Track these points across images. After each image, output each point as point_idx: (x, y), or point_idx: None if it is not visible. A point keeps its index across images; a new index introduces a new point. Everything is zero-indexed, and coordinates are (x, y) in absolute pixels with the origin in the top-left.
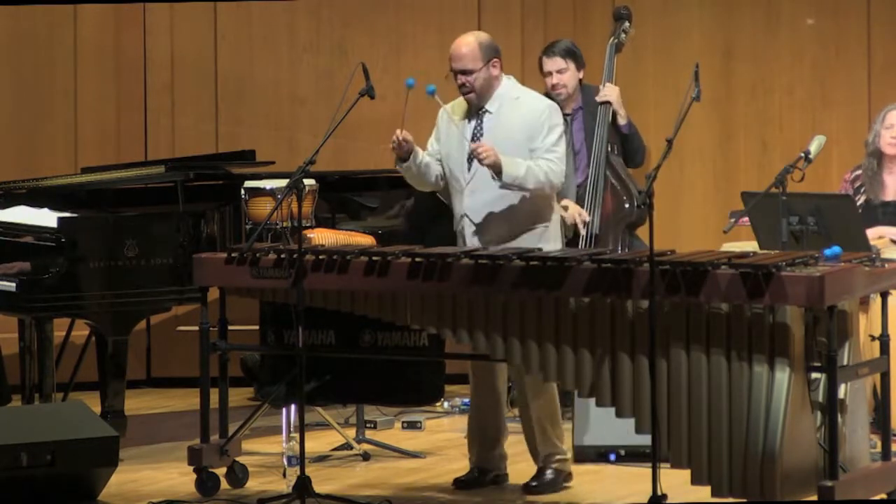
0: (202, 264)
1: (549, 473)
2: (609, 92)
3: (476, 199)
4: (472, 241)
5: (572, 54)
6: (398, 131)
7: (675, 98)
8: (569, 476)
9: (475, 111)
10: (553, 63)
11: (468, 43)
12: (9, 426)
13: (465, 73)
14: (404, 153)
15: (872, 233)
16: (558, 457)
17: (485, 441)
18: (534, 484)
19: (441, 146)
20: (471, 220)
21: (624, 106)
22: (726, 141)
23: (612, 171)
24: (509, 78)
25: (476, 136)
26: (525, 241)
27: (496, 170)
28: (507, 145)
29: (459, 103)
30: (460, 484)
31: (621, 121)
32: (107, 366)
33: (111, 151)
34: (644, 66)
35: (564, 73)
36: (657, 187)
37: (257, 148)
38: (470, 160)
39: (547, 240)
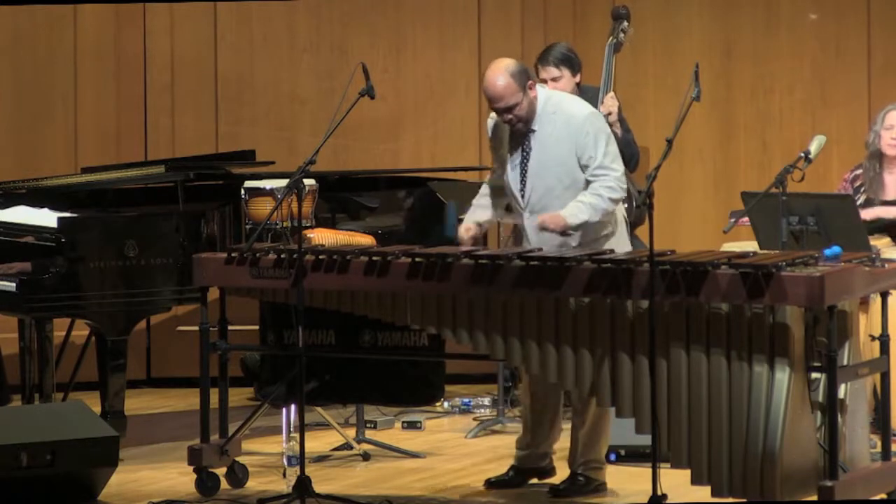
0: (202, 264)
1: (580, 479)
2: (610, 105)
3: (535, 221)
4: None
5: (567, 61)
6: (464, 239)
7: (675, 98)
8: (602, 486)
9: (522, 134)
10: (546, 72)
11: (501, 78)
12: (9, 426)
13: (508, 110)
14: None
15: (868, 214)
16: (595, 464)
17: (537, 433)
18: (561, 488)
19: (496, 162)
20: (534, 243)
21: (623, 112)
22: (726, 141)
23: None
24: (542, 87)
25: (525, 160)
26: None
27: (567, 229)
28: (554, 164)
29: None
30: (492, 484)
31: (618, 132)
32: (107, 366)
33: (111, 151)
34: (644, 66)
35: (559, 81)
36: (657, 187)
37: (257, 148)
38: (522, 187)
39: (615, 245)
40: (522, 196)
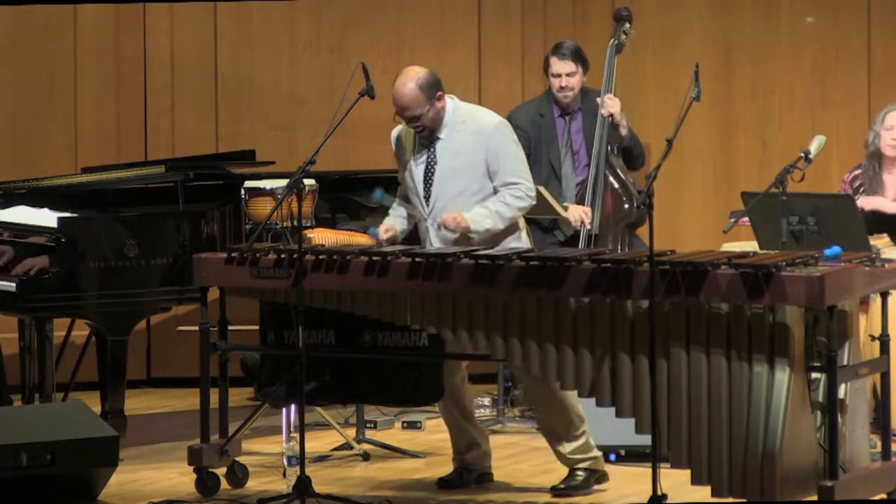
0: (202, 264)
1: (579, 475)
2: (612, 105)
3: (439, 230)
4: None
5: (582, 58)
6: (383, 239)
7: (675, 98)
8: (603, 476)
9: (428, 141)
10: (565, 65)
11: (409, 90)
12: (9, 426)
13: (413, 119)
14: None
15: (866, 202)
16: (585, 456)
17: (459, 442)
18: (561, 486)
19: (400, 172)
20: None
21: (625, 112)
22: (726, 141)
23: (611, 171)
24: (452, 99)
25: (430, 167)
26: None
27: (467, 232)
28: (463, 171)
29: (409, 130)
30: (444, 484)
31: (623, 131)
32: (107, 366)
33: (111, 151)
34: (644, 66)
35: (573, 77)
36: (657, 187)
37: (257, 148)
38: (428, 192)
39: (512, 235)
40: (427, 202)
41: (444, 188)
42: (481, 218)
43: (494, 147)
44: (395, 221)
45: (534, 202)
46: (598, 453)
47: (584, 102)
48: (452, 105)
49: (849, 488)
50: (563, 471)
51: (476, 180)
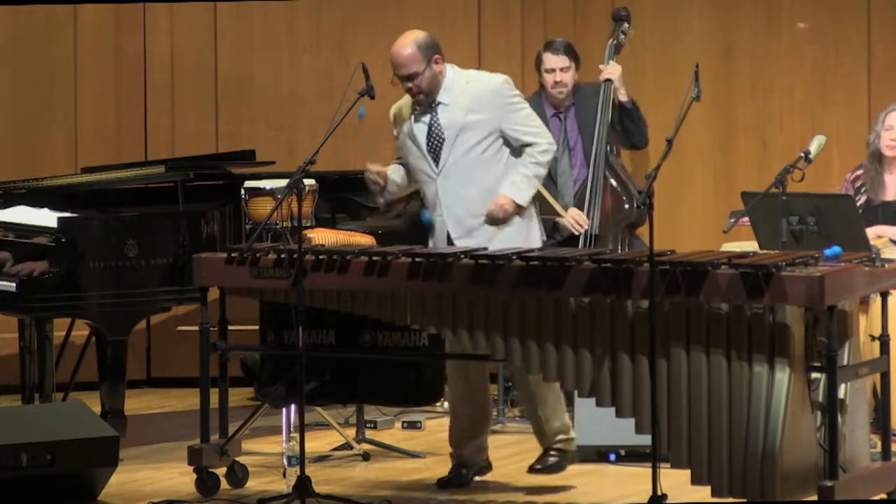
0: (202, 264)
1: (552, 455)
2: (612, 70)
3: (448, 186)
4: (452, 230)
5: (574, 53)
6: (371, 171)
7: (675, 98)
8: (574, 455)
9: (427, 106)
10: (559, 60)
11: (406, 46)
12: (9, 426)
13: (409, 78)
14: (384, 186)
15: (871, 232)
16: (562, 436)
17: (462, 432)
18: (538, 466)
19: (399, 143)
20: (447, 209)
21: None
22: (726, 141)
23: (611, 171)
24: (453, 67)
25: (434, 127)
26: (508, 237)
27: (518, 210)
28: (472, 126)
29: (407, 100)
30: (444, 484)
31: (622, 97)
32: (107, 366)
33: (111, 151)
34: (644, 66)
35: (567, 72)
36: (657, 187)
37: (257, 148)
38: (436, 151)
39: (529, 236)
40: (437, 161)
41: (455, 145)
42: (524, 190)
43: (502, 105)
44: (392, 171)
45: (555, 149)
46: (573, 434)
47: (577, 98)
48: (453, 73)
49: (849, 488)
50: (564, 470)
51: (486, 138)
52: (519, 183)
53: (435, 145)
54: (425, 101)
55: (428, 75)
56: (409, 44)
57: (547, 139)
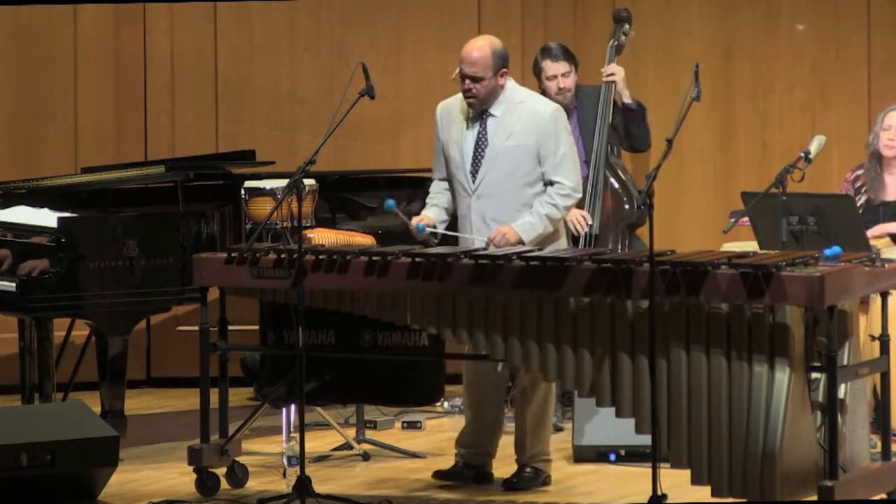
0: (202, 264)
1: (528, 471)
2: (615, 70)
3: (482, 206)
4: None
5: (572, 56)
6: (426, 228)
7: (675, 98)
8: (548, 478)
9: (477, 115)
10: (559, 66)
11: (482, 49)
12: (9, 426)
13: (474, 79)
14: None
15: (872, 233)
16: (543, 457)
17: (480, 436)
18: (514, 480)
19: (443, 147)
20: (478, 231)
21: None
22: (726, 141)
23: (611, 171)
24: (510, 80)
25: (480, 142)
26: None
27: (517, 244)
28: (515, 151)
29: (457, 102)
30: (439, 475)
31: (626, 99)
32: (107, 366)
33: (111, 151)
34: (644, 67)
35: (568, 77)
36: (657, 187)
37: (257, 148)
38: (476, 166)
39: (555, 241)
40: (474, 178)
41: (494, 166)
42: (531, 227)
43: (547, 134)
44: (430, 212)
45: (579, 196)
46: (551, 458)
47: (579, 99)
48: (511, 86)
49: (849, 488)
50: (564, 470)
51: (526, 163)
52: (527, 221)
53: (477, 159)
54: (476, 108)
55: (490, 85)
56: (486, 46)
57: (572, 183)
